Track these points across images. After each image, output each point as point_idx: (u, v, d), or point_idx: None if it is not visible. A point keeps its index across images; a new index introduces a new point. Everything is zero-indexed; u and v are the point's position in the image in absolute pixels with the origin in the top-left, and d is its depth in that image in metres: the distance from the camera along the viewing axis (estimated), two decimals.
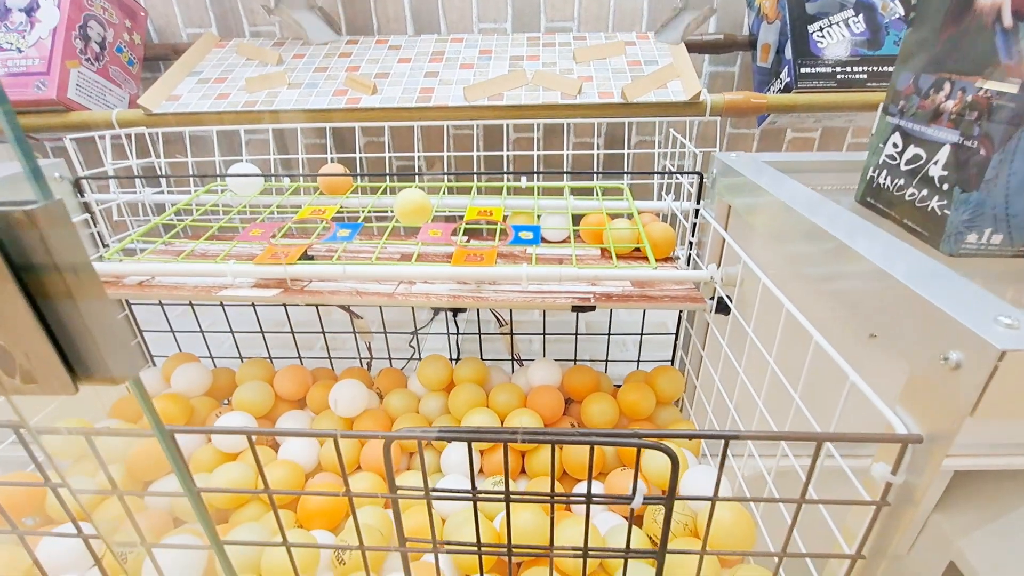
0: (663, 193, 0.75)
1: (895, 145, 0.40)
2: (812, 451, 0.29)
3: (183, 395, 0.69)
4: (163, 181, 0.80)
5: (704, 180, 0.60)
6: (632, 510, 0.30)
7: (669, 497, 0.29)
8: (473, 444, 0.61)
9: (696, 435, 0.28)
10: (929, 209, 0.36)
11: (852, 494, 0.32)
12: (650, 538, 0.50)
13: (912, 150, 0.37)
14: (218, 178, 0.77)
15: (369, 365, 0.80)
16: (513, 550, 0.32)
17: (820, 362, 0.39)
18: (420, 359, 0.72)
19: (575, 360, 0.73)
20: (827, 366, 0.38)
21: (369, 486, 0.58)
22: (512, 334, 0.73)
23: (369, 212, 0.71)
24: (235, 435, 0.63)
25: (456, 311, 1.05)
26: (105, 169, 0.76)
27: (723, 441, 0.28)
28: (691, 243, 0.64)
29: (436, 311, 1.12)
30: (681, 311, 0.69)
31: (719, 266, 0.56)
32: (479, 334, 0.77)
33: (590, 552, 0.31)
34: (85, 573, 0.48)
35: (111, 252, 0.64)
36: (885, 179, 0.42)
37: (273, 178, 0.77)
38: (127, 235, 0.68)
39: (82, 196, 0.69)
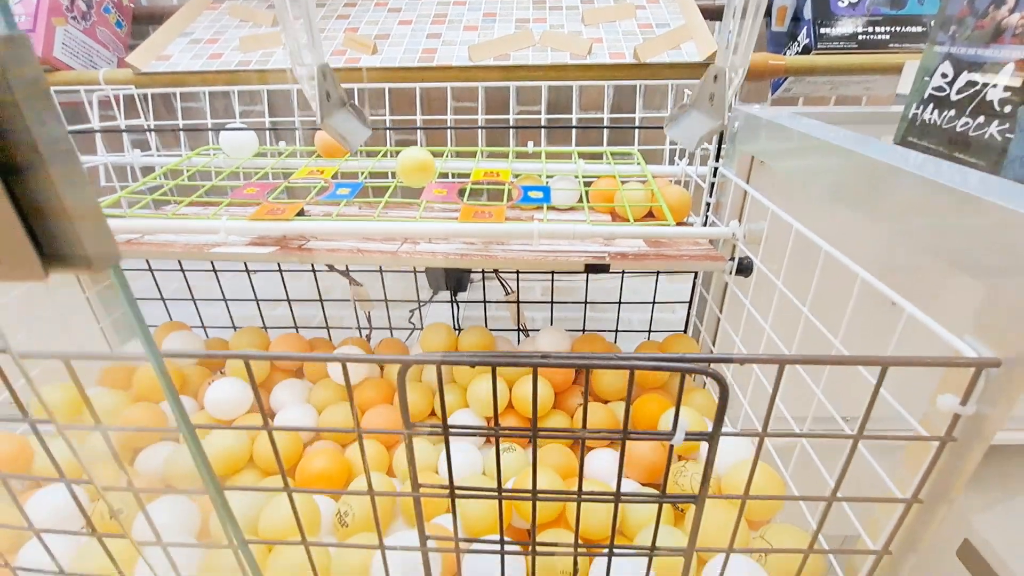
0: (676, 159, 0.73)
1: (944, 75, 0.37)
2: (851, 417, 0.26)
3: (174, 363, 0.66)
4: (152, 141, 0.76)
5: (723, 135, 0.57)
6: (672, 447, 0.27)
7: (715, 431, 0.26)
8: (481, 414, 0.58)
9: (747, 359, 0.25)
10: (987, 136, 0.34)
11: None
12: (673, 504, 0.47)
13: (965, 77, 0.35)
14: (211, 131, 0.73)
15: (369, 336, 0.76)
16: (538, 495, 0.29)
17: (861, 316, 0.36)
18: (422, 329, 0.69)
19: (583, 330, 0.70)
20: (867, 319, 0.36)
21: (371, 454, 0.55)
22: (519, 302, 0.70)
23: (368, 174, 0.67)
24: (229, 403, 0.59)
25: (457, 289, 1.02)
26: (91, 125, 0.72)
27: (777, 366, 0.25)
28: (708, 204, 0.61)
29: (436, 290, 1.08)
30: (696, 278, 0.67)
31: (742, 221, 0.53)
32: (483, 302, 0.74)
33: (623, 497, 0.29)
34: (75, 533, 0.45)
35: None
36: (931, 114, 0.39)
37: (268, 134, 0.74)
38: (113, 196, 0.64)
39: None
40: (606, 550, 0.31)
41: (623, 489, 0.49)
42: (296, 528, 0.36)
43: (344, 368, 0.25)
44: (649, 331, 0.72)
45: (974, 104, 0.36)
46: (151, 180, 0.66)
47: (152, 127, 0.77)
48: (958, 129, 0.37)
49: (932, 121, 0.39)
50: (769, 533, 0.39)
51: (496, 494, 0.29)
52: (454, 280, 1.04)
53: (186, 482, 0.51)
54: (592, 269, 0.56)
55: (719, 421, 0.26)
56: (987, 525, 0.79)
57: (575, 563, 0.32)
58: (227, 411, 0.59)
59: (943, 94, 0.38)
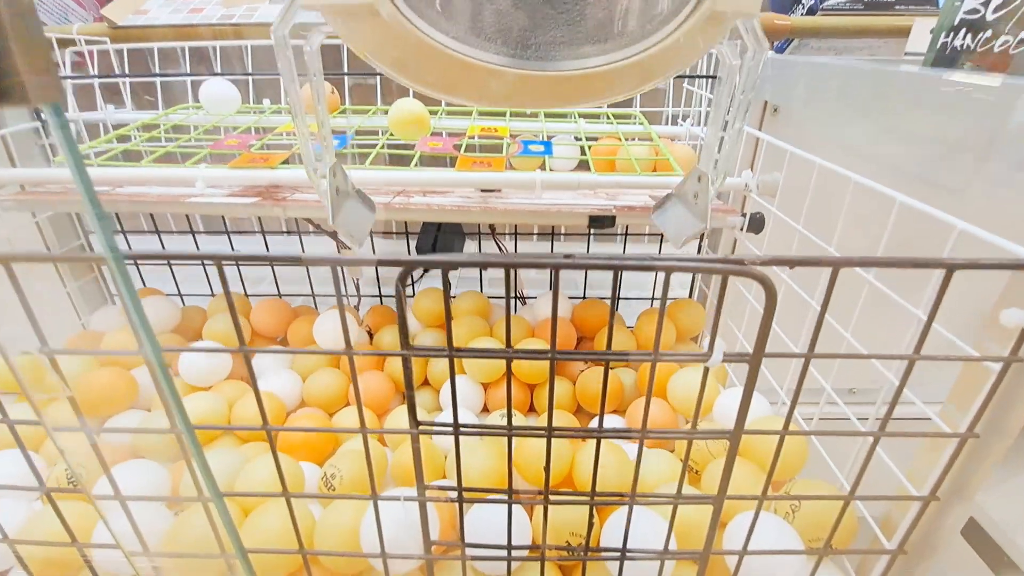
0: (679, 120, 0.70)
1: None
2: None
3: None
4: (127, 98, 0.72)
5: None
6: (707, 369, 0.24)
7: (757, 349, 0.23)
8: (479, 380, 0.54)
9: (799, 261, 0.22)
10: None
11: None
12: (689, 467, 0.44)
13: None
14: (190, 84, 0.69)
15: (358, 306, 0.73)
16: (554, 432, 0.25)
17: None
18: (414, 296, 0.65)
19: (584, 296, 0.67)
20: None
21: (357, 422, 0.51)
22: (516, 266, 0.66)
23: (357, 130, 0.63)
24: (205, 369, 0.55)
25: (449, 268, 0.99)
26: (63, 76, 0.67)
27: (830, 269, 0.22)
28: (717, 161, 0.58)
29: (427, 268, 1.05)
30: (701, 238, 0.64)
31: (755, 172, 0.50)
32: (479, 264, 0.70)
33: (648, 433, 0.25)
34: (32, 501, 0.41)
35: (62, 157, 0.55)
36: (964, 39, 0.36)
37: (252, 91, 0.70)
38: (79, 147, 0.60)
39: None
40: (625, 502, 0.28)
41: (632, 454, 0.46)
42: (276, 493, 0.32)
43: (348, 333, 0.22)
44: (652, 298, 0.69)
45: (1014, 20, 0.33)
46: (124, 132, 0.62)
47: (127, 82, 0.72)
48: (996, 49, 0.34)
49: (964, 46, 0.37)
50: (796, 489, 0.36)
51: (506, 429, 0.26)
52: (447, 252, 1.00)
53: (157, 450, 0.47)
54: (596, 222, 0.52)
55: (763, 337, 0.23)
56: (994, 504, 0.78)
57: (591, 514, 0.29)
58: (204, 378, 0.55)
59: (977, 16, 0.36)
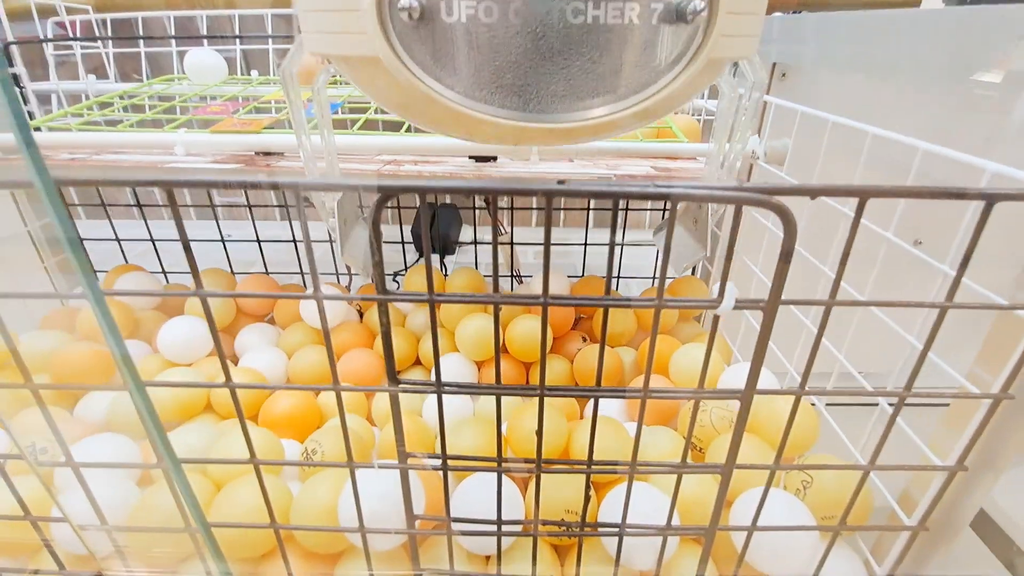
0: None
1: None
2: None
3: (125, 306, 0.59)
4: (110, 70, 0.69)
5: None
6: (717, 318, 0.22)
7: (773, 294, 0.21)
8: (472, 358, 0.51)
9: (820, 190, 0.19)
10: None
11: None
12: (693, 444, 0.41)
13: None
14: (175, 55, 0.66)
15: (348, 287, 0.70)
16: (547, 391, 0.23)
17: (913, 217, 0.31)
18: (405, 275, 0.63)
19: (583, 275, 0.64)
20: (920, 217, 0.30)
21: (346, 398, 0.49)
22: (512, 244, 0.64)
23: (348, 99, 0.61)
24: (185, 344, 0.53)
25: (444, 251, 0.96)
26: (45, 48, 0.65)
27: (857, 200, 0.19)
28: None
29: (421, 253, 1.02)
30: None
31: (762, 138, 0.48)
32: (474, 243, 0.68)
33: (651, 393, 0.23)
34: None
35: (37, 121, 0.53)
36: None
37: (240, 63, 0.67)
38: (57, 112, 0.57)
39: (11, 66, 0.58)
40: (626, 469, 0.25)
41: (630, 430, 0.43)
42: (250, 469, 0.29)
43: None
44: (653, 277, 0.66)
45: None
46: (105, 99, 0.59)
47: (110, 53, 0.69)
48: None
49: None
50: (808, 463, 0.34)
51: (495, 389, 0.23)
52: (441, 241, 0.98)
53: (131, 426, 0.45)
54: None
55: (780, 278, 0.21)
56: (1005, 492, 0.75)
57: (587, 486, 0.26)
58: (183, 354, 0.52)
59: None
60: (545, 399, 0.23)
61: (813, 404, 0.40)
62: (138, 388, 0.24)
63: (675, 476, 0.27)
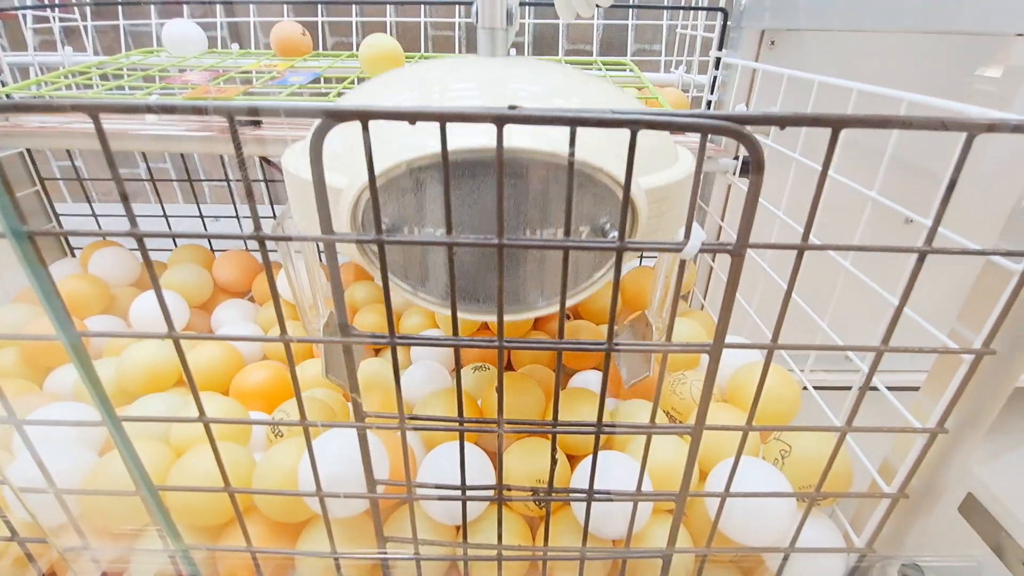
0: (672, 68, 0.66)
1: None
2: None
3: (101, 282, 0.57)
4: (89, 43, 0.68)
5: (728, 18, 0.50)
6: (683, 264, 0.21)
7: (742, 233, 0.20)
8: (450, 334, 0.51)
9: (789, 119, 0.18)
10: None
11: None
12: (667, 414, 0.40)
13: None
14: (155, 25, 0.65)
15: None
16: (505, 343, 0.22)
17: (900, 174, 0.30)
18: None
19: None
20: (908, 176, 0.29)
21: (318, 371, 0.48)
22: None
23: (329, 71, 0.60)
24: (156, 320, 0.51)
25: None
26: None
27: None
28: (709, 103, 0.55)
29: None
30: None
31: (749, 106, 0.47)
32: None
33: (616, 344, 0.22)
34: None
35: (6, 89, 0.52)
36: None
37: (221, 36, 0.66)
38: (29, 80, 0.56)
39: None
40: (592, 429, 0.24)
41: (609, 405, 0.43)
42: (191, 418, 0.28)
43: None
44: (642, 257, 0.65)
45: None
46: (80, 69, 0.58)
47: (89, 26, 0.68)
48: None
49: None
50: (787, 435, 0.33)
51: (452, 342, 0.22)
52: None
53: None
54: None
55: (748, 219, 0.19)
56: (993, 477, 0.75)
57: (553, 448, 0.25)
58: (156, 328, 0.51)
59: None
60: (524, 375, 0.22)
61: (791, 370, 0.39)
62: (73, 342, 0.23)
63: (644, 454, 0.26)
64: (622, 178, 0.22)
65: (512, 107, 0.18)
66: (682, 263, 0.22)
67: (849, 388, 0.37)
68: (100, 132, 0.18)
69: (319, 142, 0.19)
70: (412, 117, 0.18)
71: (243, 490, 0.27)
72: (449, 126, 0.18)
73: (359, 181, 0.25)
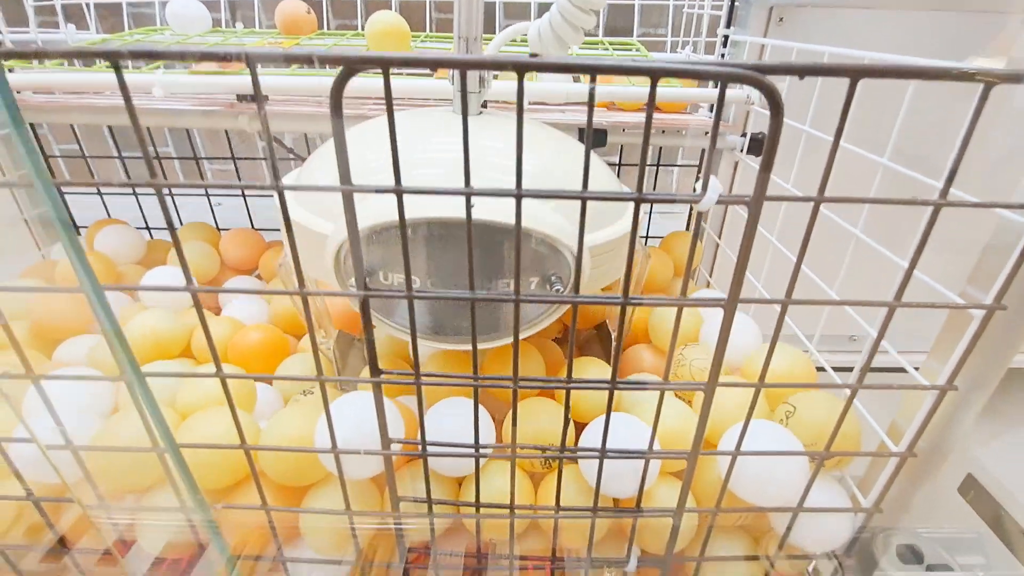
0: (679, 48, 0.66)
1: None
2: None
3: (106, 259, 0.57)
4: (91, 21, 0.67)
5: None
6: (699, 216, 0.21)
7: (758, 194, 0.20)
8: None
9: (811, 69, 0.18)
10: None
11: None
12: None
13: None
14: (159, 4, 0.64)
15: None
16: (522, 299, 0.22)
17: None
18: None
19: None
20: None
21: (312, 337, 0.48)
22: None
23: (334, 49, 0.59)
24: (167, 294, 0.52)
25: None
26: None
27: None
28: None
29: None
30: (699, 167, 0.60)
31: None
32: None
33: (631, 300, 0.22)
34: None
35: (9, 63, 0.51)
36: None
37: (225, 15, 0.65)
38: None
39: None
40: (606, 385, 0.25)
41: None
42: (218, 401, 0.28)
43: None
44: (647, 236, 0.65)
45: None
46: (83, 46, 0.57)
47: (91, 3, 0.67)
48: None
49: None
50: (793, 398, 0.33)
51: (473, 382, 0.23)
52: None
53: (109, 368, 0.44)
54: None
55: (766, 170, 0.20)
56: (993, 457, 0.75)
57: (567, 404, 0.26)
58: (165, 303, 0.51)
59: None
60: (527, 343, 0.23)
61: (806, 351, 0.39)
62: (96, 291, 0.23)
63: (657, 410, 0.26)
64: (564, 239, 0.28)
65: (533, 55, 0.18)
66: (699, 218, 0.22)
67: (852, 369, 0.38)
68: (121, 81, 0.19)
69: (339, 92, 0.19)
70: (432, 64, 0.18)
71: (258, 447, 0.28)
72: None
73: (338, 237, 0.29)
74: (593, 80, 0.18)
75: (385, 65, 0.18)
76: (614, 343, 0.23)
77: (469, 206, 0.20)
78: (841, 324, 0.39)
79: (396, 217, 0.25)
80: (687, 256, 0.23)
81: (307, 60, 0.18)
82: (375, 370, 0.25)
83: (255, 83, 0.18)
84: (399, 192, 0.20)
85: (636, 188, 0.20)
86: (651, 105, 0.19)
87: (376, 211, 0.28)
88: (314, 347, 0.25)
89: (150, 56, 0.19)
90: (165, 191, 0.21)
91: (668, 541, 0.30)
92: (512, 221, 0.27)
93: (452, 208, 0.28)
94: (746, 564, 0.34)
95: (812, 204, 0.21)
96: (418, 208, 0.28)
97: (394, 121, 0.19)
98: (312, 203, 0.33)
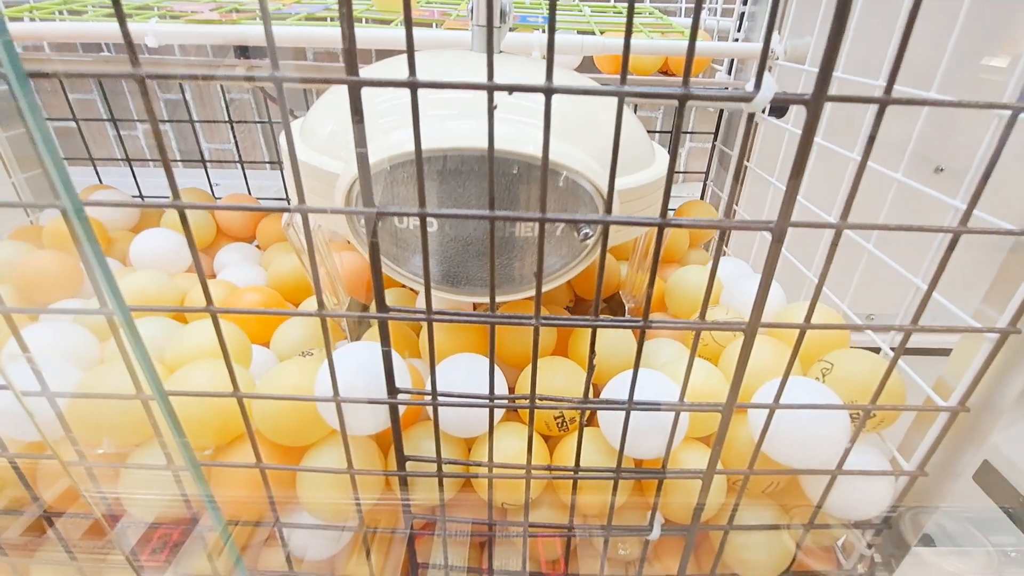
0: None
1: None
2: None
3: (100, 222, 0.55)
4: None
5: None
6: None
7: (819, 92, 0.18)
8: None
9: None
10: None
11: None
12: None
13: None
14: None
15: None
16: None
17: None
18: None
19: None
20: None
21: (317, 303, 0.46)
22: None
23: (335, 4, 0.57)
24: (158, 256, 0.49)
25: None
26: None
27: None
28: (736, 40, 0.52)
29: None
30: (715, 138, 0.58)
31: (783, 36, 0.44)
32: None
33: (669, 221, 0.20)
34: None
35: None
36: None
37: None
38: (19, 7, 0.53)
39: None
40: (639, 323, 0.22)
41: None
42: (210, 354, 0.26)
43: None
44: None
45: None
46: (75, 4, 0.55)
47: None
48: None
49: None
50: (832, 355, 0.31)
51: (489, 319, 0.20)
52: None
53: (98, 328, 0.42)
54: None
55: (833, 44, 0.17)
56: (1011, 443, 0.73)
57: (592, 344, 0.23)
58: (156, 266, 0.49)
59: None
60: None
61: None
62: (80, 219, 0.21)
63: (682, 372, 0.24)
64: (593, 178, 0.26)
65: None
66: (750, 119, 0.20)
67: (879, 350, 0.35)
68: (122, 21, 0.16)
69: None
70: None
71: (253, 394, 0.25)
72: (438, 123, 0.21)
73: (350, 172, 0.27)
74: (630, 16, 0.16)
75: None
76: (652, 266, 0.21)
77: (492, 106, 0.18)
78: (861, 303, 0.37)
79: (411, 149, 0.23)
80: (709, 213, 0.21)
81: None
82: (382, 306, 0.23)
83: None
84: (413, 85, 0.18)
85: (683, 82, 0.18)
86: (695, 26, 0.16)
87: (390, 144, 0.26)
88: (317, 292, 0.23)
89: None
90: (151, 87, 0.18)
91: (695, 506, 0.28)
92: (535, 151, 0.25)
93: (471, 138, 0.26)
94: (775, 535, 0.32)
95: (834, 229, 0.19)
96: (434, 139, 0.25)
97: (410, 12, 0.17)
98: (321, 145, 0.31)
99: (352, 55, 0.18)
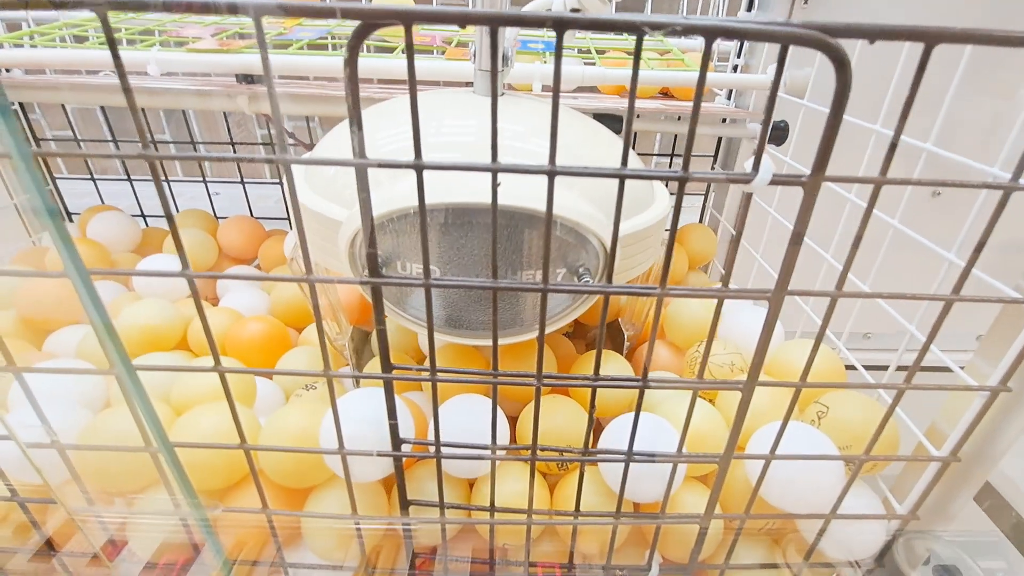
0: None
1: None
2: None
3: (99, 246, 0.55)
4: None
5: None
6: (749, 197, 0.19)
7: (818, 168, 0.18)
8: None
9: (862, 31, 0.16)
10: None
11: None
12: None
13: None
14: None
15: None
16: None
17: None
18: None
19: None
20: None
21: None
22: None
23: (338, 28, 0.57)
24: (162, 282, 0.50)
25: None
26: None
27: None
28: (736, 67, 0.53)
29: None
30: (715, 158, 0.58)
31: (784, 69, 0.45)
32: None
33: (668, 289, 0.20)
34: None
35: (1, 39, 0.49)
36: None
37: None
38: (19, 32, 0.53)
39: None
40: (637, 383, 0.23)
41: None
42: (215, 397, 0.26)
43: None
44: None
45: None
46: (76, 22, 0.55)
47: None
48: None
49: None
50: (825, 398, 0.32)
51: (491, 378, 0.21)
52: None
53: (101, 361, 0.42)
54: (602, 119, 0.47)
55: (828, 142, 0.18)
56: (1011, 462, 0.74)
57: (592, 402, 0.24)
58: (160, 292, 0.49)
59: None
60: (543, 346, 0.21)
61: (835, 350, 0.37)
62: (83, 277, 0.21)
63: (684, 411, 0.24)
64: (594, 228, 0.26)
65: (575, 10, 0.16)
66: (747, 199, 0.20)
67: (871, 367, 0.36)
68: (107, 28, 0.16)
69: (355, 49, 0.17)
70: (460, 19, 0.16)
71: (258, 447, 0.26)
72: (441, 176, 0.21)
73: (352, 224, 0.27)
74: (639, 41, 0.16)
75: (407, 21, 0.16)
76: (650, 338, 0.21)
77: (495, 184, 0.18)
78: (857, 322, 0.37)
79: (413, 203, 0.23)
80: (703, 248, 0.21)
81: (319, 13, 0.16)
82: (387, 365, 0.23)
83: (259, 30, 0.16)
84: (419, 167, 0.18)
85: (682, 166, 0.18)
86: (704, 66, 0.17)
87: (392, 196, 0.26)
88: (321, 340, 0.23)
89: (138, 7, 0.17)
90: (163, 176, 0.19)
91: (693, 548, 0.29)
92: (536, 206, 0.26)
93: (472, 193, 0.26)
94: (770, 572, 0.32)
95: (872, 187, 0.19)
96: (437, 193, 0.26)
97: (415, 79, 0.17)
98: (324, 188, 0.31)
99: (361, 141, 0.18)
